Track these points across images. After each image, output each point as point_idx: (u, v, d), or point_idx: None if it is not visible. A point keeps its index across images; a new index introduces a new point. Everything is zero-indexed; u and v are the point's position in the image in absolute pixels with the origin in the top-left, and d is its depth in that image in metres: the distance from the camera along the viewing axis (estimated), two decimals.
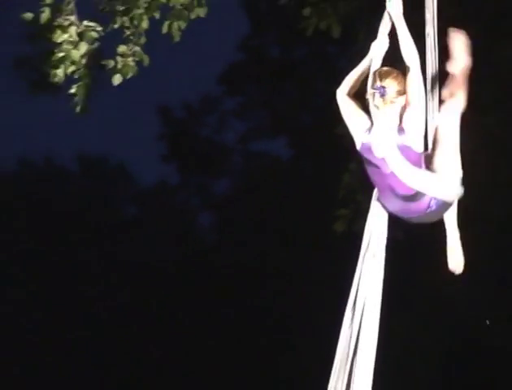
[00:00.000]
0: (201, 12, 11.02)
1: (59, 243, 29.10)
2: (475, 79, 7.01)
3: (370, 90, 6.97)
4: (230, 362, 26.05)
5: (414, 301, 19.31)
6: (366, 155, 6.91)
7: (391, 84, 6.81)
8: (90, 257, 29.29)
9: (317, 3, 11.28)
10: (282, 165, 26.23)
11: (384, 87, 6.80)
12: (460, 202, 7.02)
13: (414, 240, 14.23)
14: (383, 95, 6.80)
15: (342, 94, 7.03)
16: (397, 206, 6.96)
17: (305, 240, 22.16)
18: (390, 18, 7.20)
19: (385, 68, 7.01)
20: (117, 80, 10.88)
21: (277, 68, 25.92)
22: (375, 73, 6.97)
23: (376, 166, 6.86)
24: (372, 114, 6.94)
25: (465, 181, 6.79)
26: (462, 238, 7.17)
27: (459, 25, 6.91)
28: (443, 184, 6.73)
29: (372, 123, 6.93)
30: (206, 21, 11.51)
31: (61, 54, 10.54)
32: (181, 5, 10.84)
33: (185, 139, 29.90)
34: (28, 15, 10.56)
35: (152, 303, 27.60)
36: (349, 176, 12.14)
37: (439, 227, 7.25)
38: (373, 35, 7.03)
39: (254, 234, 25.25)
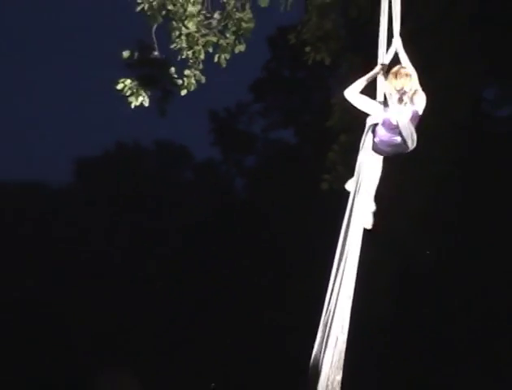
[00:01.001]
0: (241, 48, 10.71)
1: (142, 202, 29.28)
2: None
3: (389, 89, 6.58)
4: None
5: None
6: (385, 125, 6.62)
7: (406, 84, 6.53)
8: (163, 212, 29.00)
9: (314, 43, 11.11)
10: (290, 147, 26.35)
11: (403, 90, 6.51)
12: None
13: None
14: (401, 98, 6.51)
15: (354, 92, 6.68)
16: (389, 149, 6.73)
17: (302, 195, 21.94)
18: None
19: (400, 70, 6.65)
20: (183, 92, 10.72)
21: (288, 83, 26.17)
22: (392, 72, 6.61)
23: (390, 129, 6.59)
24: (388, 98, 6.59)
25: None
26: None
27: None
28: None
29: (385, 103, 6.62)
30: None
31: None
32: (227, 43, 10.59)
33: (226, 130, 30.13)
34: (126, 53, 10.47)
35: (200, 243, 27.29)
36: (332, 154, 11.75)
37: None
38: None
39: (272, 192, 25.05)
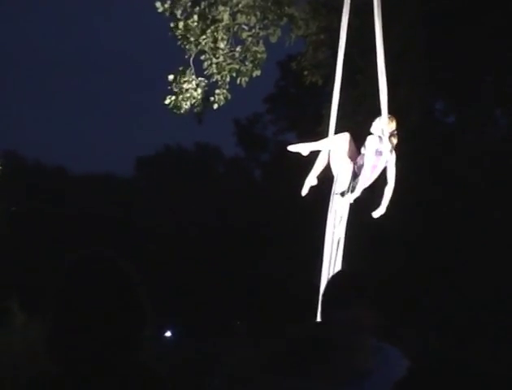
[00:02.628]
0: (257, 73, 10.64)
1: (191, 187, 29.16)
2: None
3: (388, 128, 5.99)
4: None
5: None
6: (377, 154, 5.98)
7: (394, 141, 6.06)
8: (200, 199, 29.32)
9: (310, 69, 11.15)
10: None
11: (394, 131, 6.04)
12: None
13: None
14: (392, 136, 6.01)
15: (298, 148, 6.16)
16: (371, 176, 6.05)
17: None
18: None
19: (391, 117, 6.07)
20: (215, 106, 10.63)
21: (292, 98, 26.15)
22: (389, 117, 6.00)
23: (379, 158, 5.97)
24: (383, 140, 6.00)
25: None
26: None
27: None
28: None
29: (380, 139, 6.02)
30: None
31: (187, 95, 10.39)
32: (246, 69, 10.52)
33: (247, 134, 30.19)
34: (171, 76, 10.38)
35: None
36: None
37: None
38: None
39: (279, 181, 24.87)
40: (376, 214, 6.09)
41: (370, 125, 6.22)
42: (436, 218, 13.69)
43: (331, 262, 5.91)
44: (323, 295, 2.60)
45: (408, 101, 10.56)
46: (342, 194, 5.99)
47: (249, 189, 28.52)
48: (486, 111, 14.76)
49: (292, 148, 6.17)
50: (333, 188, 6.05)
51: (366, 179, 6.02)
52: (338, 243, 5.95)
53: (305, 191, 6.14)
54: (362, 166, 6.02)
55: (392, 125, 6.14)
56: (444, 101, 16.48)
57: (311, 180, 6.15)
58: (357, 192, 6.01)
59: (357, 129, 6.52)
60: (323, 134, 6.70)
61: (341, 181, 6.02)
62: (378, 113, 6.14)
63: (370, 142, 6.04)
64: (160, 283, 23.11)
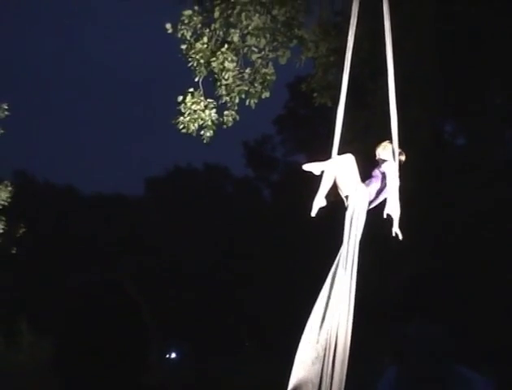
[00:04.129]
0: (267, 94, 10.68)
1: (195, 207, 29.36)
2: None
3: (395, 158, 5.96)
4: None
5: None
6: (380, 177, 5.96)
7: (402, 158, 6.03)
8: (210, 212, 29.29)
9: (320, 90, 11.12)
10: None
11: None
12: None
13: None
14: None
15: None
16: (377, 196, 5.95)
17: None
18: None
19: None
20: (224, 126, 10.65)
21: (301, 119, 26.20)
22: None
23: (384, 178, 5.95)
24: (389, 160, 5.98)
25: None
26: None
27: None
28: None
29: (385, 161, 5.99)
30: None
31: (195, 116, 10.36)
32: (255, 91, 10.55)
33: (255, 155, 30.27)
34: (179, 97, 10.40)
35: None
36: None
37: None
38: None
39: (291, 196, 24.89)
40: (394, 231, 5.99)
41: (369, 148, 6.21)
42: (448, 244, 13.54)
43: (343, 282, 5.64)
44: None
45: (418, 123, 10.51)
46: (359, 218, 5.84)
47: (259, 209, 28.48)
48: (496, 131, 14.66)
49: (307, 167, 6.10)
50: (348, 211, 5.89)
51: (396, 205, 5.94)
52: (353, 262, 5.73)
53: (314, 212, 6.01)
54: (382, 190, 5.97)
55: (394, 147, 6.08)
56: (454, 122, 16.42)
57: (320, 201, 6.03)
58: (397, 222, 5.93)
59: (368, 151, 6.46)
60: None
61: (357, 204, 5.90)
62: (388, 135, 6.10)
63: (391, 167, 5.98)
64: (166, 303, 23.07)
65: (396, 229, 6.00)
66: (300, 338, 5.37)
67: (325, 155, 6.47)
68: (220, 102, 10.65)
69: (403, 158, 6.10)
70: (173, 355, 25.31)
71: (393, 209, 5.95)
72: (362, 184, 6.00)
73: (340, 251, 5.71)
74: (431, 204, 12.72)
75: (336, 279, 5.57)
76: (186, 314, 24.19)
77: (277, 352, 13.50)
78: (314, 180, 6.21)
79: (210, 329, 23.21)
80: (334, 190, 6.01)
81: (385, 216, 5.97)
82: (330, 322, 5.39)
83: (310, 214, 5.97)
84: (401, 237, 5.96)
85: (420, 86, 11.35)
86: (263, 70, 10.67)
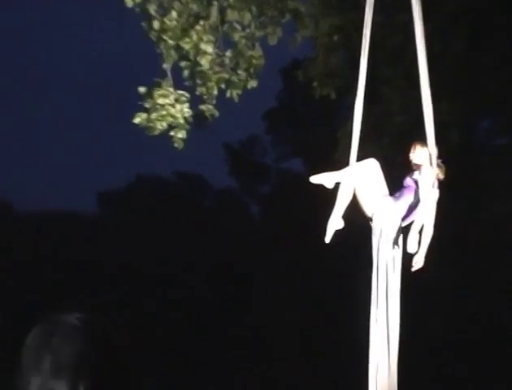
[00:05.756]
0: (253, 84, 10.59)
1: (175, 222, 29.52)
2: None
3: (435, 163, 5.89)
4: None
5: None
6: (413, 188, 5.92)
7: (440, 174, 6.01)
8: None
9: (321, 79, 10.99)
10: (300, 177, 26.38)
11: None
12: None
13: None
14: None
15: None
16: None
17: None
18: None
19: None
20: (200, 125, 10.62)
21: (298, 115, 26.18)
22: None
23: (416, 189, 5.87)
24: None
25: None
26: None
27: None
28: None
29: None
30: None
31: (163, 113, 10.22)
32: (239, 79, 10.47)
33: (240, 161, 30.24)
34: (142, 89, 10.27)
35: None
36: None
37: None
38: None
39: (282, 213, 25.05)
40: (415, 267, 5.90)
41: (397, 149, 6.14)
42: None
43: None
44: None
45: (448, 119, 10.43)
46: (395, 243, 5.77)
47: (245, 230, 28.50)
48: None
49: (315, 179, 6.03)
50: (375, 233, 5.85)
51: (429, 225, 5.86)
52: (388, 298, 5.70)
53: (329, 237, 5.96)
54: (416, 204, 5.88)
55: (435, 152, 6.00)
56: (491, 119, 16.48)
57: (336, 223, 5.98)
58: (424, 248, 5.83)
59: (382, 154, 6.50)
60: (340, 162, 6.61)
61: (386, 224, 5.84)
62: (407, 134, 6.09)
63: (426, 175, 5.90)
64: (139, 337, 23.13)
65: (420, 259, 5.85)
66: None
67: (329, 162, 6.46)
68: (194, 95, 10.61)
69: (442, 173, 6.07)
70: None
71: (425, 230, 5.86)
72: (391, 198, 5.96)
73: (372, 288, 5.71)
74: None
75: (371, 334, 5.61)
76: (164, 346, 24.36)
77: None
78: (321, 193, 6.16)
79: (192, 363, 23.62)
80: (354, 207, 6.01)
81: (411, 240, 5.84)
82: None
83: (323, 238, 5.88)
84: (418, 266, 5.84)
85: (450, 73, 11.26)
86: (248, 52, 10.57)
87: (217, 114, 10.69)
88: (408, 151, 6.12)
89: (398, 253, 5.84)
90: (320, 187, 6.04)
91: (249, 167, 29.97)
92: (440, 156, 6.06)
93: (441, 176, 6.05)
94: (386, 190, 6.03)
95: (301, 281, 22.07)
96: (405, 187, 6.05)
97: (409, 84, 6.12)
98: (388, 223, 5.85)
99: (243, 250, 26.31)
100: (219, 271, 26.94)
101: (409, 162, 6.13)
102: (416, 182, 5.98)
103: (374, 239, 5.83)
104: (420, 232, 5.90)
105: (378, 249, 5.80)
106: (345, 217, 6.01)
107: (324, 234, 5.94)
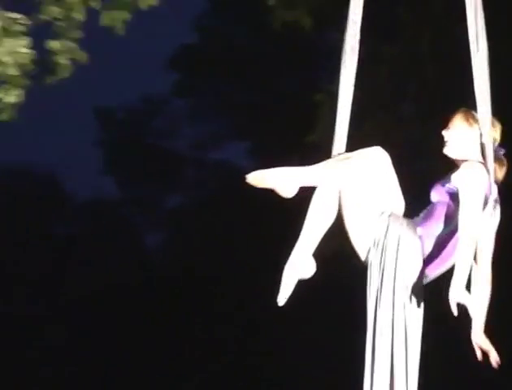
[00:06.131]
0: (151, 1, 10.96)
1: None
2: None
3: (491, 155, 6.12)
4: None
5: None
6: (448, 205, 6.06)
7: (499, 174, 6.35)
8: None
9: None
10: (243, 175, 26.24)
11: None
12: None
13: None
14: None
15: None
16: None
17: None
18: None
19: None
20: (49, 81, 10.93)
21: (238, 59, 26.17)
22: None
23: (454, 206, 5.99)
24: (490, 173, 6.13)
25: None
26: None
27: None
28: None
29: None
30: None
31: None
32: None
33: (127, 146, 30.23)
34: None
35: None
36: None
37: None
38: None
39: (209, 255, 25.34)
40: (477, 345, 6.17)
41: (413, 129, 6.32)
42: None
43: None
44: None
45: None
46: (418, 303, 6.01)
47: (137, 277, 28.98)
48: None
49: (256, 178, 6.19)
50: (370, 292, 6.19)
51: (487, 270, 6.19)
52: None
53: (285, 292, 6.23)
54: (452, 234, 6.08)
55: (496, 135, 6.26)
56: None
57: (301, 262, 6.26)
58: (483, 311, 6.19)
59: (382, 138, 6.95)
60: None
61: (400, 273, 6.05)
62: (420, 109, 6.26)
63: (471, 180, 6.05)
64: None
65: (480, 334, 6.13)
66: None
67: (295, 145, 6.81)
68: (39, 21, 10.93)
69: (501, 173, 6.34)
70: None
71: (474, 281, 6.11)
72: (409, 222, 6.18)
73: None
74: None
75: None
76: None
77: None
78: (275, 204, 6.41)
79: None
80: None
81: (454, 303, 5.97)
82: None
83: (276, 294, 6.10)
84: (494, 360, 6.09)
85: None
86: None
87: (85, 58, 11.11)
88: (438, 135, 6.37)
89: (418, 322, 6.12)
90: (269, 194, 6.19)
91: (140, 159, 29.99)
92: (502, 142, 6.32)
93: (500, 177, 6.29)
94: (402, 206, 6.26)
95: None
96: (433, 203, 6.27)
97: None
98: (405, 271, 6.08)
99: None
100: None
101: (440, 155, 6.37)
102: (453, 194, 6.16)
103: (369, 302, 6.12)
104: (468, 286, 6.02)
105: (375, 315, 6.10)
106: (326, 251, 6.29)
107: (275, 289, 6.18)
